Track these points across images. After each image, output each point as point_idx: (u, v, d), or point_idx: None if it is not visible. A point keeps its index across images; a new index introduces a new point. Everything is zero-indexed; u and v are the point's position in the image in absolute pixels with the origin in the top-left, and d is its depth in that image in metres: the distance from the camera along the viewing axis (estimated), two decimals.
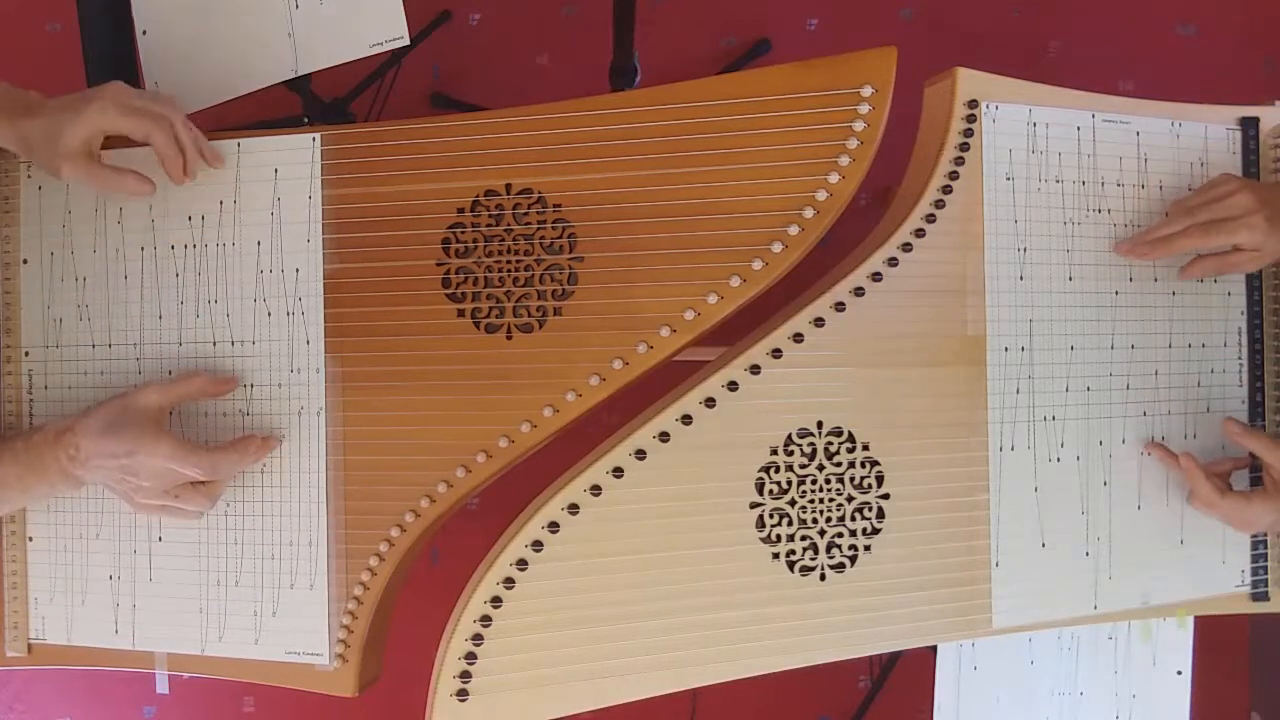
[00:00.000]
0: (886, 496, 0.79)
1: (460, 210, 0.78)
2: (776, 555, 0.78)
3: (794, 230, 0.74)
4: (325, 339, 0.80)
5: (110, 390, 0.82)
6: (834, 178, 0.74)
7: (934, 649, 0.87)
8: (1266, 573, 0.89)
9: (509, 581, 0.75)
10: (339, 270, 0.80)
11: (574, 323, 0.76)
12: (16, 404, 0.84)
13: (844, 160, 0.73)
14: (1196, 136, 0.87)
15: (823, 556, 0.79)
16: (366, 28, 0.85)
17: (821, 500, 0.78)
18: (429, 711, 0.75)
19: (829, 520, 0.79)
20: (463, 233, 0.78)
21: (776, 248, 0.74)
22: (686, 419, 0.76)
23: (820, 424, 0.78)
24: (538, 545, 0.75)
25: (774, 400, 0.77)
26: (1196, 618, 0.91)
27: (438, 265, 0.78)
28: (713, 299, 0.74)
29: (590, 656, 0.75)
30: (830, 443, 0.78)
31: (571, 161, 0.77)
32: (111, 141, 0.77)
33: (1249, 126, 0.88)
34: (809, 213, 0.74)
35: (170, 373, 0.82)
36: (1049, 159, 0.83)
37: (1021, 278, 0.82)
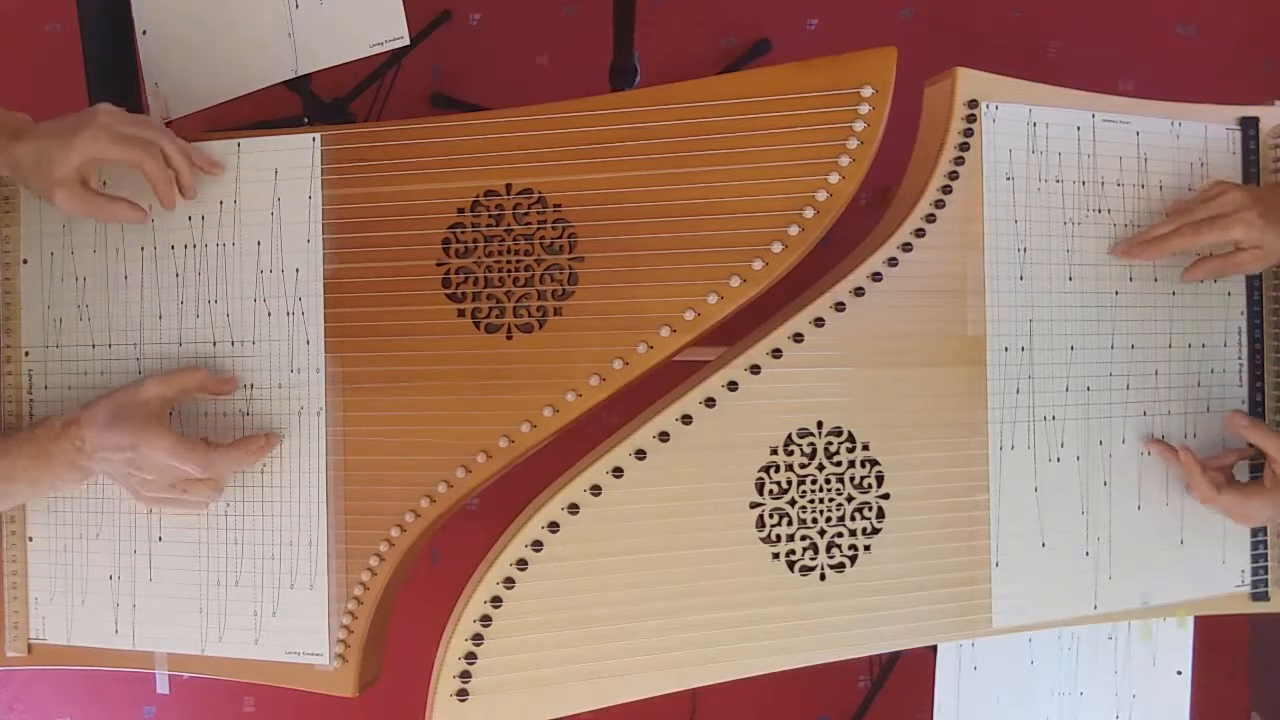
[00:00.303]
0: (886, 496, 0.79)
1: (460, 210, 0.78)
2: (776, 555, 0.78)
3: (794, 230, 0.74)
4: (325, 339, 0.80)
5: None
6: (834, 178, 0.74)
7: (934, 649, 0.87)
8: (1266, 573, 0.89)
9: (509, 581, 0.75)
10: (339, 270, 0.80)
11: (574, 323, 0.76)
12: (16, 404, 0.84)
13: (844, 160, 0.73)
14: (1196, 136, 0.87)
15: (823, 556, 0.79)
16: (366, 28, 0.85)
17: (821, 500, 0.78)
18: (429, 711, 0.75)
19: (829, 520, 0.79)
20: (463, 233, 0.78)
21: (776, 248, 0.74)
22: (686, 419, 0.76)
23: (820, 424, 0.78)
24: (538, 545, 0.75)
25: (774, 400, 0.77)
26: (1196, 618, 0.91)
27: (438, 265, 0.78)
28: (713, 299, 0.74)
29: (590, 656, 0.75)
30: (830, 443, 0.78)
31: (571, 161, 0.77)
32: None
33: (1249, 126, 0.88)
34: (809, 213, 0.74)
35: None
36: (1049, 159, 0.83)
37: (1021, 278, 0.82)
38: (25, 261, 0.84)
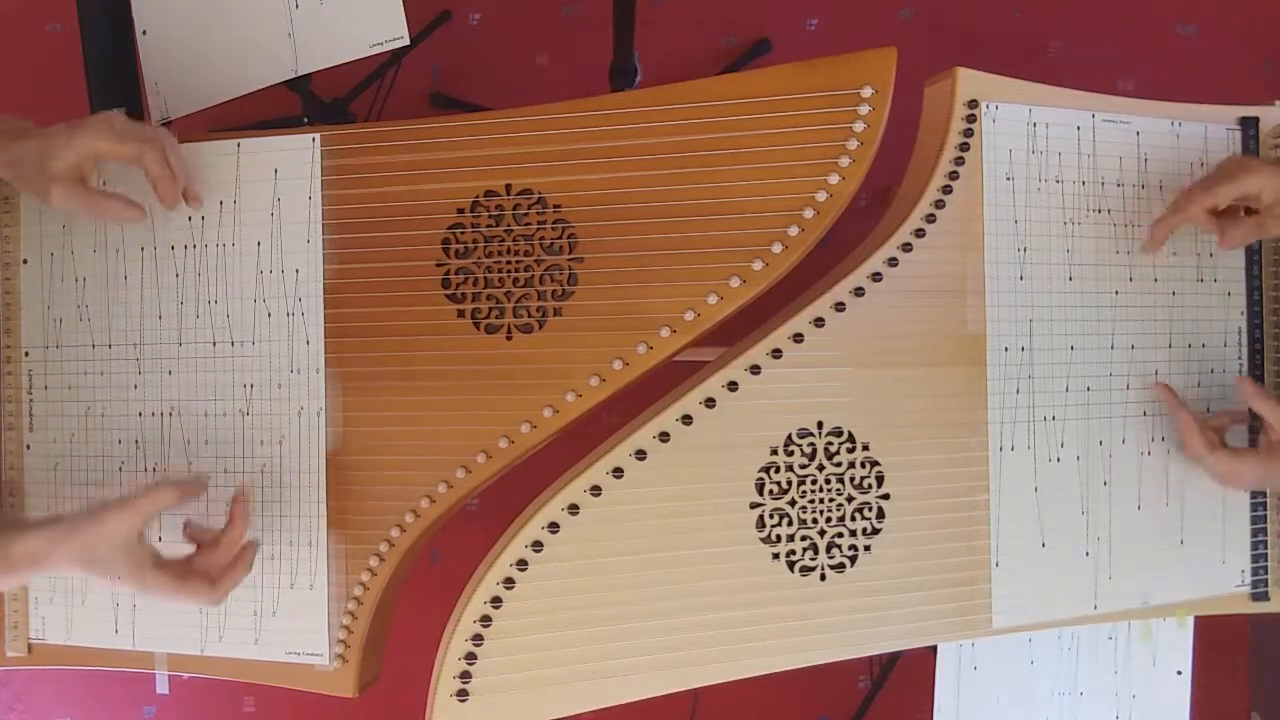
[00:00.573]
0: (886, 496, 0.79)
1: (460, 210, 0.78)
2: (777, 555, 0.78)
3: (794, 231, 0.74)
4: (325, 339, 0.80)
5: (110, 390, 0.82)
6: (834, 178, 0.74)
7: (934, 649, 0.87)
8: (1266, 573, 0.89)
9: (509, 582, 0.75)
10: (339, 270, 0.80)
11: (574, 323, 0.76)
12: (16, 404, 0.84)
13: (844, 161, 0.73)
14: (1196, 136, 0.87)
15: (823, 556, 0.79)
16: (366, 28, 0.85)
17: (821, 500, 0.78)
18: (429, 711, 0.75)
19: (829, 520, 0.79)
20: (463, 233, 0.78)
21: (776, 248, 0.74)
22: (686, 419, 0.76)
23: (820, 424, 0.78)
24: (538, 545, 0.75)
25: (774, 400, 0.77)
26: (1196, 618, 0.91)
27: (438, 265, 0.78)
28: (713, 299, 0.74)
29: (590, 656, 0.75)
30: (830, 443, 0.78)
31: (572, 162, 0.77)
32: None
33: (1249, 126, 0.88)
34: (809, 213, 0.74)
35: (170, 373, 0.82)
36: (1049, 159, 0.83)
37: (1021, 278, 0.82)
38: (25, 261, 0.84)
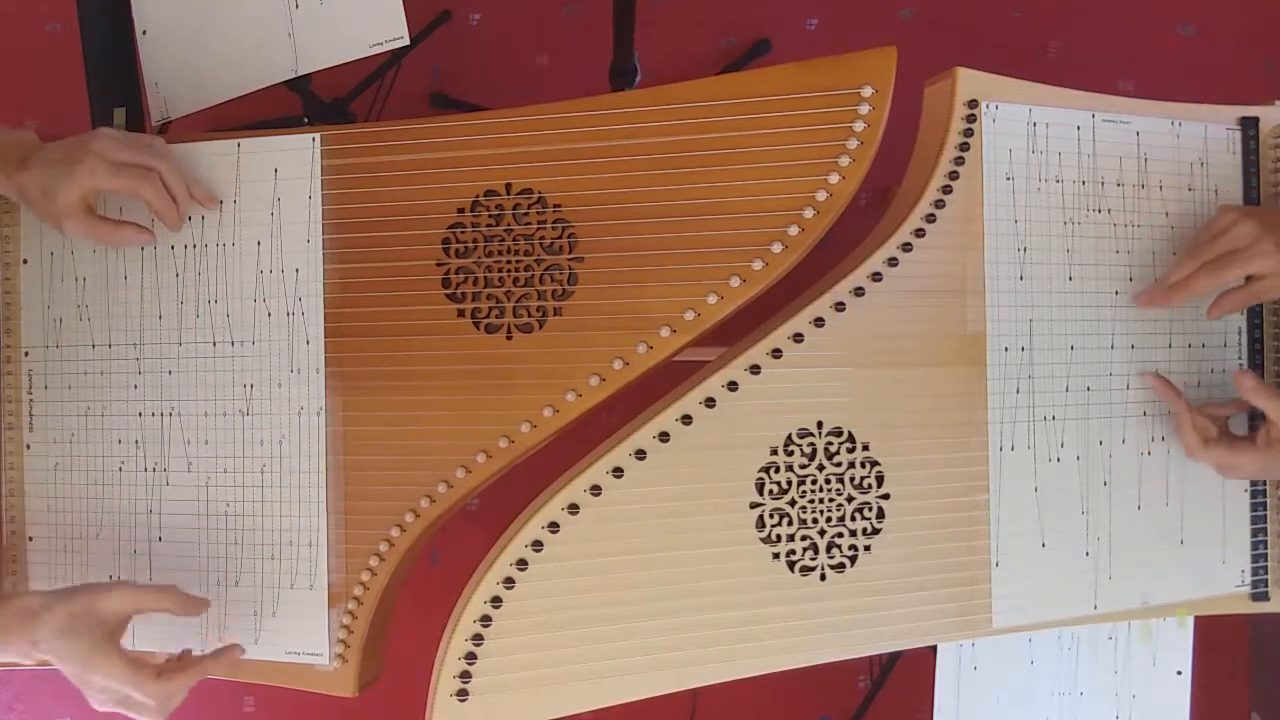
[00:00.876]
0: (886, 496, 0.79)
1: (460, 210, 0.78)
2: (776, 555, 0.78)
3: (794, 230, 0.74)
4: (325, 339, 0.80)
5: (110, 390, 0.82)
6: (834, 178, 0.74)
7: (934, 649, 0.87)
8: (1266, 573, 0.89)
9: (509, 581, 0.75)
10: (339, 270, 0.80)
11: (574, 323, 0.76)
12: (16, 404, 0.85)
13: (844, 160, 0.73)
14: (1196, 136, 0.87)
15: (823, 556, 0.79)
16: (366, 28, 0.85)
17: (821, 500, 0.78)
18: (429, 711, 0.75)
19: (829, 520, 0.79)
20: (463, 233, 0.78)
21: (776, 248, 0.74)
22: (686, 419, 0.76)
23: (820, 424, 0.78)
24: (538, 545, 0.75)
25: (774, 400, 0.77)
26: (1196, 618, 0.91)
27: (438, 265, 0.78)
28: (713, 299, 0.74)
29: (590, 656, 0.75)
30: (830, 443, 0.78)
31: (571, 162, 0.77)
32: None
33: (1249, 126, 0.88)
34: (809, 213, 0.74)
35: (170, 373, 0.82)
36: (1049, 159, 0.83)
37: (1021, 278, 0.82)
38: (25, 261, 0.84)
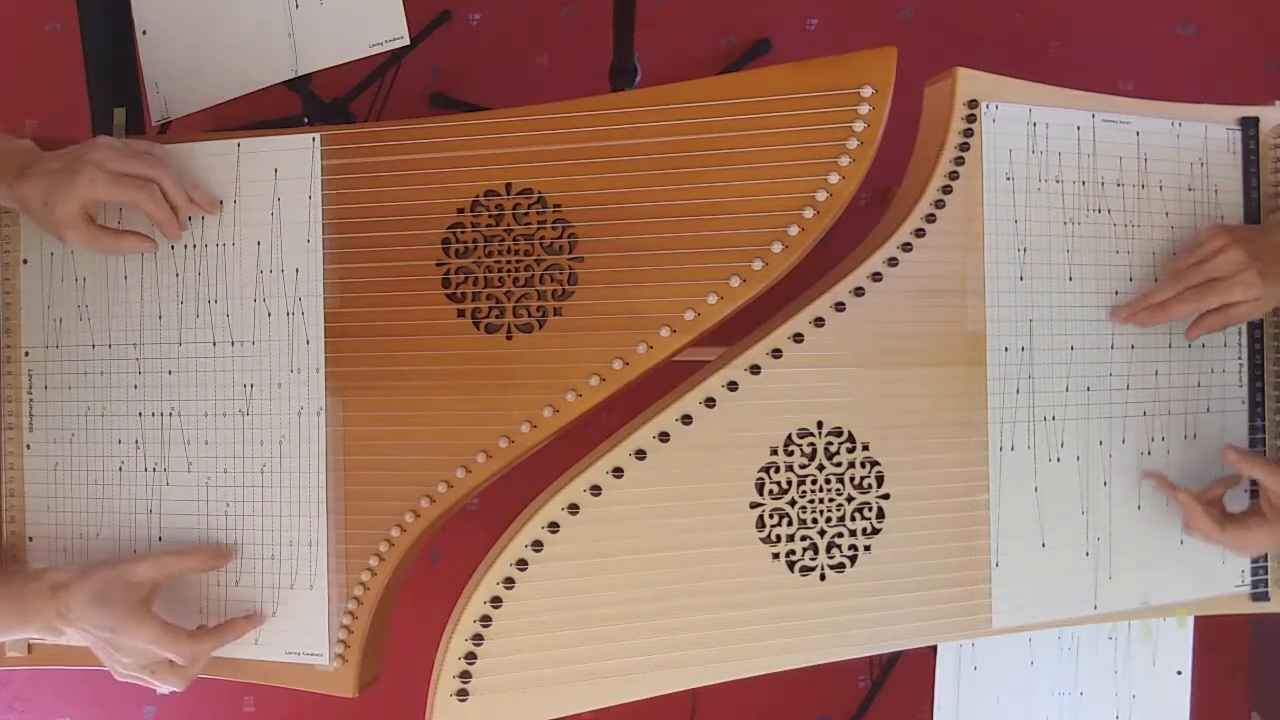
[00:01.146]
0: (886, 496, 0.79)
1: (460, 210, 0.78)
2: (776, 555, 0.78)
3: (794, 230, 0.74)
4: (325, 339, 0.80)
5: (110, 390, 0.82)
6: (834, 178, 0.74)
7: (934, 649, 0.87)
8: (1266, 573, 0.89)
9: (509, 581, 0.75)
10: (339, 270, 0.80)
11: (574, 323, 0.76)
12: (16, 404, 0.85)
13: (844, 160, 0.73)
14: (1196, 136, 0.87)
15: (823, 556, 0.79)
16: (366, 28, 0.85)
17: (821, 500, 0.78)
18: (429, 711, 0.75)
19: (829, 520, 0.79)
20: (463, 233, 0.78)
21: (776, 248, 0.74)
22: (686, 419, 0.76)
23: (820, 424, 0.78)
24: (538, 545, 0.75)
25: (774, 400, 0.77)
26: (1196, 618, 0.91)
27: (438, 265, 0.78)
28: (713, 299, 0.74)
29: (590, 656, 0.75)
30: (830, 443, 0.78)
31: (571, 162, 0.77)
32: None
33: (1249, 126, 0.88)
34: (809, 213, 0.74)
35: (170, 373, 0.82)
36: (1049, 159, 0.83)
37: (1021, 278, 0.82)
38: (25, 261, 0.84)
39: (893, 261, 0.79)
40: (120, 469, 0.83)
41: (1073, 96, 0.84)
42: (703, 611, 0.77)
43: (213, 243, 0.82)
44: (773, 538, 0.78)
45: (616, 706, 0.76)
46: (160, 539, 0.82)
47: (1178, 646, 0.91)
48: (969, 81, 0.80)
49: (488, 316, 0.77)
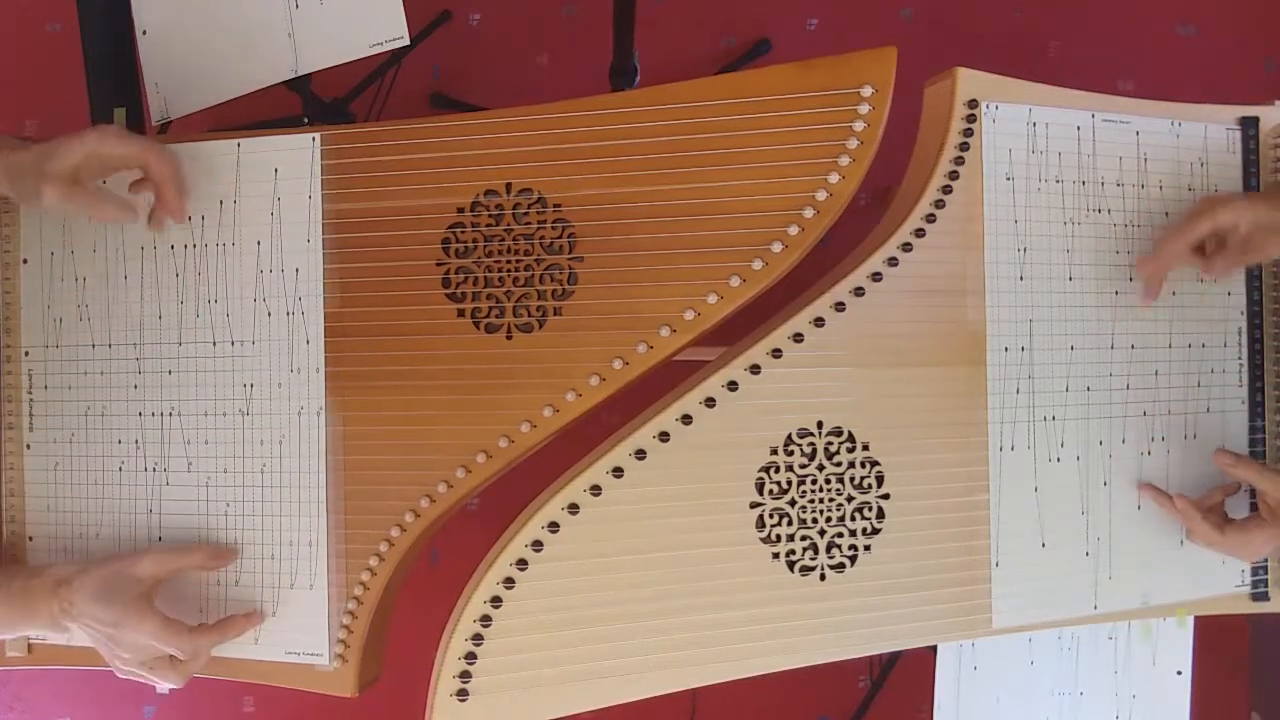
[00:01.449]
0: (886, 496, 0.79)
1: (460, 210, 0.78)
2: (776, 555, 0.78)
3: (794, 230, 0.74)
4: (325, 339, 0.80)
5: (110, 390, 0.82)
6: (834, 178, 0.74)
7: (934, 649, 0.87)
8: (1266, 573, 0.89)
9: (509, 581, 0.75)
10: (339, 270, 0.80)
11: (574, 323, 0.76)
12: (16, 404, 0.85)
13: (844, 160, 0.73)
14: (1196, 136, 0.87)
15: (823, 556, 0.79)
16: (366, 28, 0.85)
17: (821, 500, 0.78)
18: (429, 711, 0.75)
19: (829, 520, 0.79)
20: (462, 232, 0.78)
21: (776, 248, 0.74)
22: (686, 419, 0.76)
23: (820, 424, 0.78)
24: (538, 545, 0.75)
25: (774, 400, 0.77)
26: (1196, 618, 0.91)
27: (438, 265, 0.78)
28: (713, 299, 0.74)
29: (590, 656, 0.75)
30: (830, 443, 0.78)
31: (571, 161, 0.77)
32: None
33: (1249, 126, 0.88)
34: (809, 213, 0.74)
35: (170, 372, 0.82)
36: (1049, 159, 0.83)
37: (1021, 278, 0.82)
38: (25, 261, 0.84)
39: (893, 261, 0.79)
40: (120, 469, 0.83)
41: (1073, 96, 0.84)
42: (702, 611, 0.77)
43: (213, 243, 0.82)
44: (773, 538, 0.78)
45: (616, 706, 0.76)
46: (160, 539, 0.82)
47: (1178, 646, 0.91)
48: (969, 81, 0.80)
49: (488, 316, 0.77)
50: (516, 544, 0.75)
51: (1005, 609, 0.82)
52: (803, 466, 0.78)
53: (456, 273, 0.78)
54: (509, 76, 1.64)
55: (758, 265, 0.74)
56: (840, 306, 0.78)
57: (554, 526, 0.75)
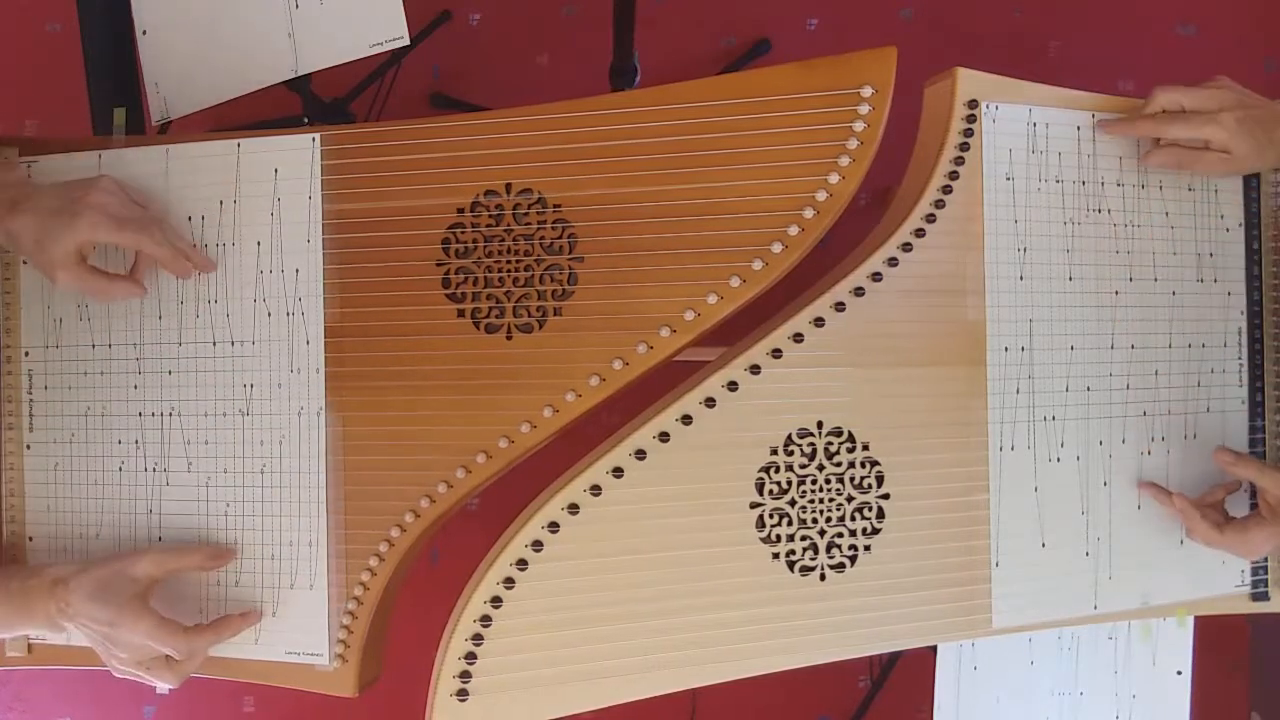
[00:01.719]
0: (886, 496, 0.79)
1: (460, 210, 0.78)
2: (776, 555, 0.78)
3: (794, 230, 0.74)
4: (325, 339, 0.80)
5: (110, 390, 0.82)
6: (834, 178, 0.74)
7: (934, 649, 0.87)
8: (1266, 573, 0.89)
9: (509, 581, 0.75)
10: (339, 270, 0.80)
11: (574, 323, 0.76)
12: (16, 404, 0.85)
13: (844, 160, 0.73)
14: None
15: (823, 556, 0.79)
16: (366, 28, 0.85)
17: (821, 500, 0.78)
18: (429, 711, 0.75)
19: (829, 520, 0.79)
20: (463, 233, 0.78)
21: (776, 248, 0.74)
22: (686, 419, 0.76)
23: (820, 424, 0.78)
24: (538, 545, 0.75)
25: (774, 400, 0.77)
26: (1196, 618, 0.91)
27: (438, 265, 0.78)
28: (713, 299, 0.74)
29: (590, 656, 0.75)
30: (830, 443, 0.78)
31: (571, 162, 0.77)
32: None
33: None
34: (809, 213, 0.74)
35: (170, 373, 0.82)
36: (1049, 159, 0.83)
37: (1021, 278, 0.82)
38: (25, 262, 0.84)
39: (893, 261, 0.79)
40: (120, 469, 0.83)
41: (1073, 96, 0.84)
42: (702, 611, 0.77)
43: (213, 243, 0.82)
44: (773, 538, 0.78)
45: (616, 706, 0.76)
46: (160, 539, 0.82)
47: (1178, 646, 0.91)
48: (969, 81, 0.80)
49: (488, 316, 0.77)
50: (516, 544, 0.75)
51: (1005, 609, 0.82)
52: (803, 466, 0.78)
53: (456, 273, 0.78)
54: (509, 76, 1.64)
55: (758, 265, 0.74)
56: (840, 306, 0.78)
57: (554, 526, 0.75)
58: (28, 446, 0.84)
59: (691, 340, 0.75)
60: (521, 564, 0.74)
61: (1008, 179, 0.82)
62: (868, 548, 0.79)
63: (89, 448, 0.83)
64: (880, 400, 0.79)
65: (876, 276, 0.78)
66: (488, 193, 0.78)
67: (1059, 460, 0.83)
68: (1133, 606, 0.86)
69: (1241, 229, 0.88)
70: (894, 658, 1.55)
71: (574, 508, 0.75)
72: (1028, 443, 0.83)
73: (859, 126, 0.73)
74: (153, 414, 0.82)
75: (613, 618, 0.76)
